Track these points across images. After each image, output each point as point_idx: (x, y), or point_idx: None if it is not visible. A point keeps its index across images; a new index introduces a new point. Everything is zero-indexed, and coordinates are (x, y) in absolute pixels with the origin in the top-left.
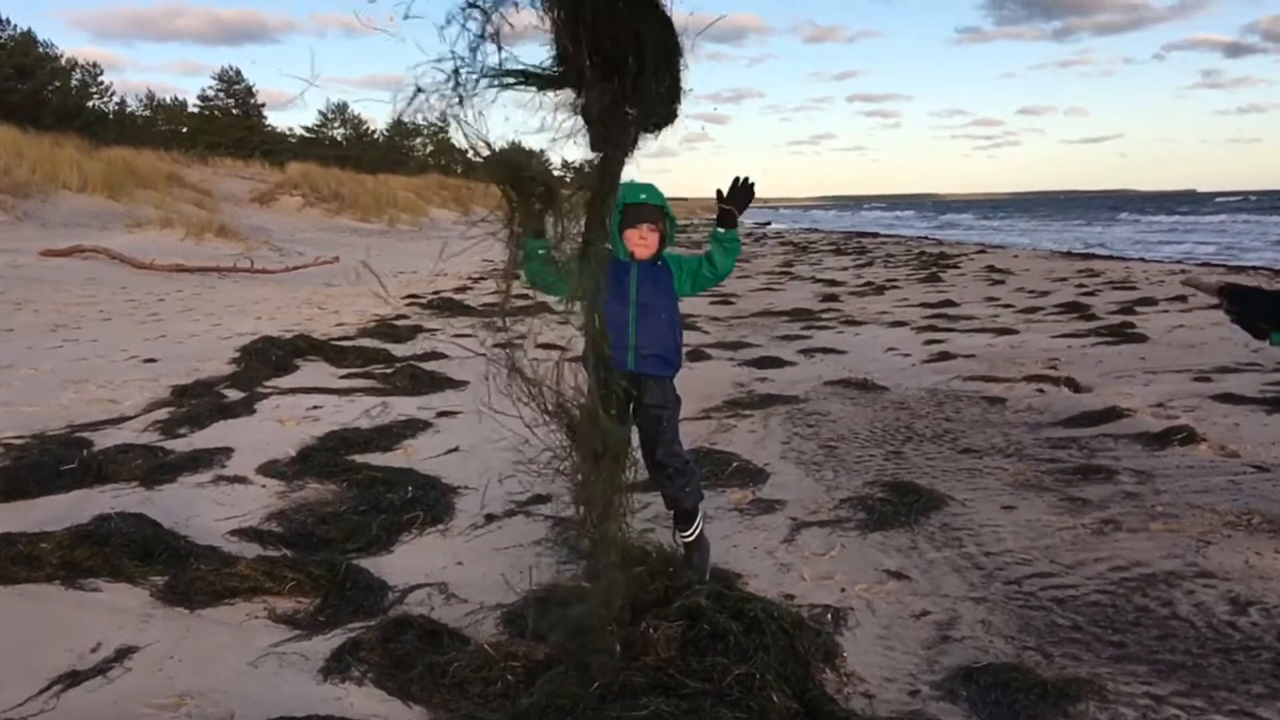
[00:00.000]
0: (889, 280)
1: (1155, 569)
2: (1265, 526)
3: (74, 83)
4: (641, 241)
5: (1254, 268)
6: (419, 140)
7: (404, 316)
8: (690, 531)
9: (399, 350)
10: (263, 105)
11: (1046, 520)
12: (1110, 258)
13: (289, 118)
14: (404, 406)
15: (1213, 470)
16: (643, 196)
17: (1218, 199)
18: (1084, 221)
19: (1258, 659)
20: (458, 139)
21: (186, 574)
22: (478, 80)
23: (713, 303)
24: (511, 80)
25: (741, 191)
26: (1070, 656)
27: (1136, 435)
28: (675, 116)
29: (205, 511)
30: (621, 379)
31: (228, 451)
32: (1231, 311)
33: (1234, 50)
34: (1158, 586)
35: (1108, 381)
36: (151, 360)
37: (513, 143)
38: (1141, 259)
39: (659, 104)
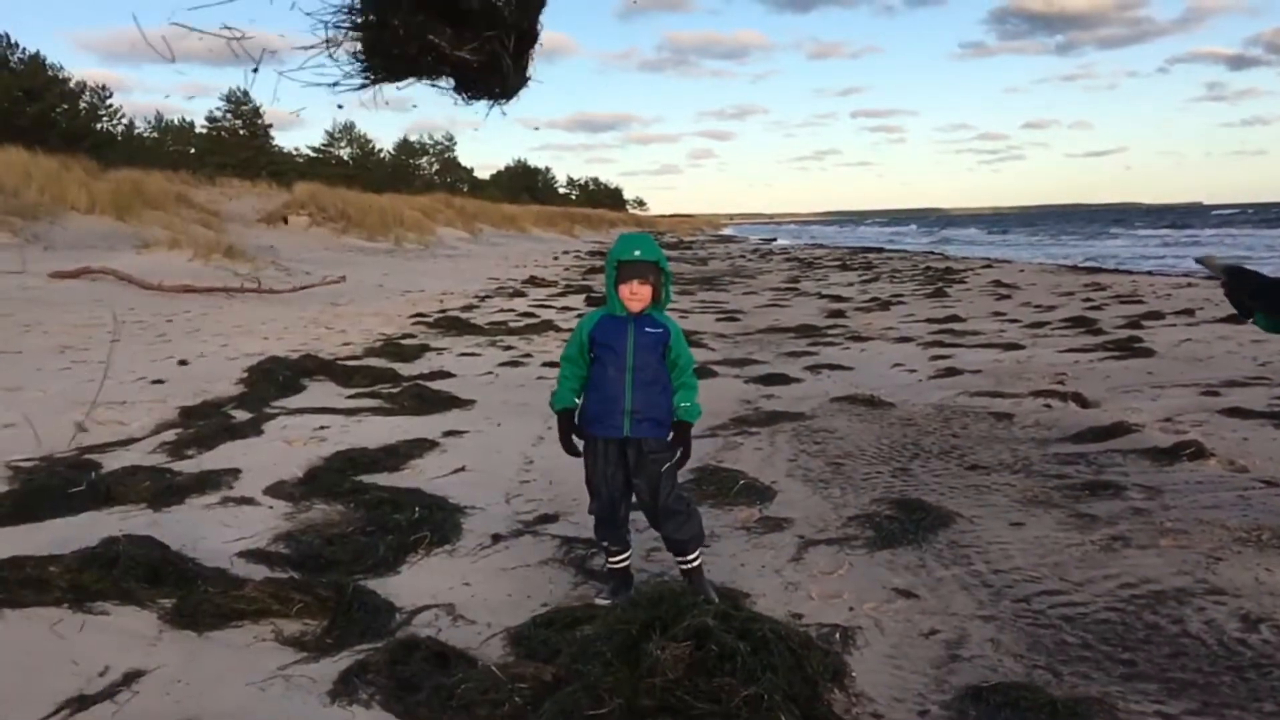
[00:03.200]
0: (895, 296)
1: (1165, 586)
2: (1275, 542)
3: (82, 105)
4: (634, 296)
5: None
6: (425, 159)
7: (410, 335)
8: (690, 559)
9: (406, 369)
10: (270, 126)
11: (1055, 537)
12: (1117, 271)
13: (296, 138)
14: (411, 426)
15: (1222, 485)
16: (637, 253)
17: (1214, 212)
18: (1084, 236)
19: (1269, 676)
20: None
21: (194, 596)
22: None
23: (719, 319)
24: None
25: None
26: (1080, 675)
27: (1145, 450)
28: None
29: (213, 533)
30: (615, 445)
31: (235, 473)
32: (1227, 286)
33: (1237, 63)
34: (1168, 603)
35: (1115, 396)
36: (159, 381)
37: None
38: (1149, 273)
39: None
